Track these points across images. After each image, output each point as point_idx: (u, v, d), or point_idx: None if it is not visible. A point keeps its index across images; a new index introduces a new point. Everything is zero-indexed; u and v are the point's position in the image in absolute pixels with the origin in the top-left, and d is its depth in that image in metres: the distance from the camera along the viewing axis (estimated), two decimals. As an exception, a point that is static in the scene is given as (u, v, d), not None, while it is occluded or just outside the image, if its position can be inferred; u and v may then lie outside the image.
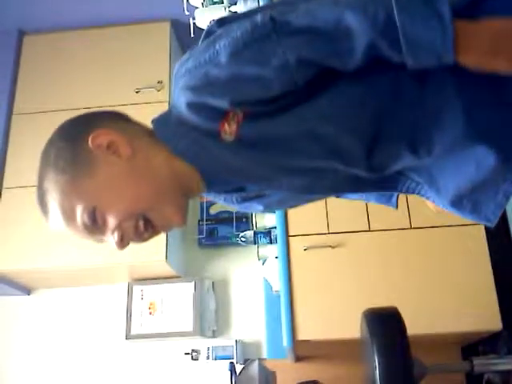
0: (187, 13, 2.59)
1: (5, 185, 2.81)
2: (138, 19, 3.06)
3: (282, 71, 0.81)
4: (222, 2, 2.59)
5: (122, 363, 2.81)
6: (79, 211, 0.87)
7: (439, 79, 0.84)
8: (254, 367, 2.28)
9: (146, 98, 2.84)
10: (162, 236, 2.64)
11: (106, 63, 2.99)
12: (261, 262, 2.79)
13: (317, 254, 2.39)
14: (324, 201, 2.47)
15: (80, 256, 2.64)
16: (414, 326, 1.84)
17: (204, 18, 2.61)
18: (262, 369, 2.27)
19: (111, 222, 0.88)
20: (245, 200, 1.06)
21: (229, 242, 2.90)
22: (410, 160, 0.90)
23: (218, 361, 2.67)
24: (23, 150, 2.79)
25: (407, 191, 1.00)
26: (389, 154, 0.89)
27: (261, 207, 1.07)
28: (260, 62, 0.81)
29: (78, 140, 0.89)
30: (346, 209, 2.42)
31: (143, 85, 2.87)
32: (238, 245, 2.87)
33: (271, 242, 2.67)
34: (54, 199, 0.88)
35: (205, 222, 2.94)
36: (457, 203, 0.96)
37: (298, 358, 2.65)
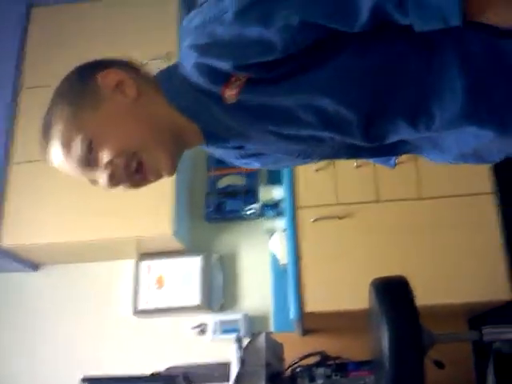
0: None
1: (13, 160, 2.79)
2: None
3: (285, 32, 0.80)
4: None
5: (129, 338, 2.82)
6: (77, 141, 0.91)
7: (445, 58, 0.84)
8: (261, 339, 2.28)
9: (154, 70, 2.81)
10: (169, 210, 2.63)
11: (114, 35, 2.96)
12: (268, 235, 2.78)
13: (325, 226, 2.38)
14: (333, 171, 2.46)
15: (88, 230, 2.64)
16: (421, 297, 1.82)
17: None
18: (270, 340, 2.27)
19: (105, 155, 0.92)
20: (243, 157, 1.09)
21: (237, 216, 2.88)
22: (409, 134, 0.91)
23: (225, 335, 2.67)
24: (31, 125, 2.77)
25: (404, 153, 1.04)
26: (387, 127, 0.90)
27: (258, 164, 1.12)
28: (264, 23, 0.80)
29: (90, 77, 0.95)
30: (355, 179, 2.41)
31: (152, 56, 2.83)
32: (245, 219, 2.86)
33: (279, 215, 2.65)
34: (56, 128, 0.93)
35: (212, 196, 2.92)
36: (460, 159, 1.02)
37: (306, 331, 2.65)
